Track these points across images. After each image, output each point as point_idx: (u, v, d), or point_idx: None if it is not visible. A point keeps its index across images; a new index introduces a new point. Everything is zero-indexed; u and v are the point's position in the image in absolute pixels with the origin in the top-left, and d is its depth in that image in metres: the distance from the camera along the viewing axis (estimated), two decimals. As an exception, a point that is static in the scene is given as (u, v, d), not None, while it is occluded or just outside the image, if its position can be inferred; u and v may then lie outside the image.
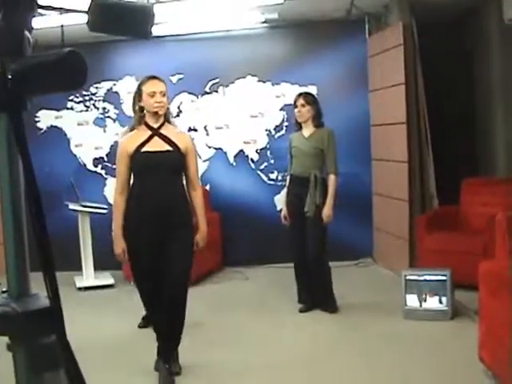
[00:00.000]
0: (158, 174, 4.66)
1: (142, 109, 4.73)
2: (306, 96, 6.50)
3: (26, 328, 1.32)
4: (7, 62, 1.25)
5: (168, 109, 4.85)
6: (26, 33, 1.31)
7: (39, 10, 1.35)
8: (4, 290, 1.40)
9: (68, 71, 1.21)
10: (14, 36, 1.28)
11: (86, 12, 1.36)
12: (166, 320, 4.79)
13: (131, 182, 4.78)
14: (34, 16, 1.34)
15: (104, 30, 1.39)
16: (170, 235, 4.67)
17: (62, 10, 1.42)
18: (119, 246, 4.73)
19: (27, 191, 1.29)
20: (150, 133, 4.70)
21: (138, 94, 4.74)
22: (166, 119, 4.80)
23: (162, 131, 4.73)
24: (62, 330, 1.32)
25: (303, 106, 6.42)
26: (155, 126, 4.72)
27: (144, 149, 4.66)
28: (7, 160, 1.35)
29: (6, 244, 1.36)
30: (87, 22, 1.37)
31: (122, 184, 4.74)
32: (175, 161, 4.72)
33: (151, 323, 5.09)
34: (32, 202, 1.27)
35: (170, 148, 4.69)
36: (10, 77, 1.24)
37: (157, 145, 4.68)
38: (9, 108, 1.26)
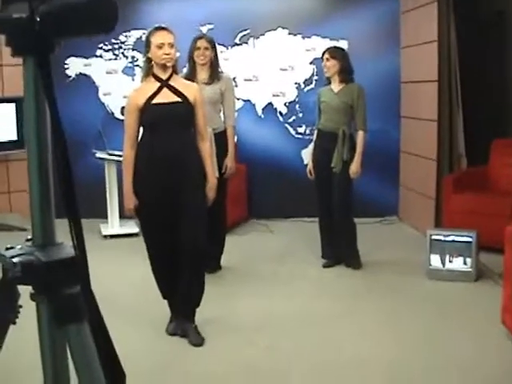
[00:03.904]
0: (169, 126, 4.61)
1: (149, 60, 4.63)
2: (332, 50, 6.42)
3: (49, 278, 1.30)
4: (36, 4, 1.21)
5: (176, 60, 4.74)
6: (56, -27, 1.26)
7: None
8: (28, 238, 1.38)
9: (99, 15, 1.17)
10: (43, -24, 1.23)
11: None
12: (184, 280, 4.75)
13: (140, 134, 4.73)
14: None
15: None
16: (182, 188, 4.63)
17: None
18: (131, 201, 4.68)
19: (53, 137, 1.26)
20: (158, 84, 4.62)
21: (146, 45, 4.64)
22: (174, 70, 4.71)
23: (171, 82, 4.65)
24: (86, 281, 1.30)
25: (328, 60, 6.35)
26: (164, 77, 4.63)
27: (154, 101, 4.59)
28: (34, 104, 1.32)
29: (31, 192, 1.34)
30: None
31: (132, 138, 4.66)
32: (185, 112, 4.66)
33: (160, 287, 4.95)
34: (58, 148, 1.24)
35: (179, 99, 4.63)
36: (38, 19, 1.20)
37: (167, 96, 4.62)
38: (36, 51, 1.22)
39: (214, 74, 6.19)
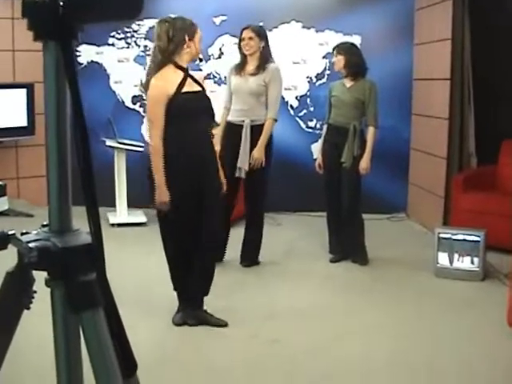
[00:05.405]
0: (198, 114, 4.62)
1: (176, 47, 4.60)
2: (338, 46, 6.46)
3: (65, 264, 1.30)
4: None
5: None
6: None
7: None
8: (44, 223, 1.38)
9: (124, 0, 1.16)
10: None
11: None
12: (196, 267, 4.80)
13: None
14: None
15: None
16: (207, 181, 4.67)
17: None
18: (165, 194, 4.56)
19: (74, 123, 1.25)
20: (182, 73, 4.61)
21: (191, 35, 4.60)
22: None
23: (190, 72, 4.70)
24: (102, 268, 1.29)
25: (335, 56, 6.42)
26: (185, 66, 4.67)
27: (184, 89, 4.57)
28: (55, 90, 1.31)
29: (49, 177, 1.33)
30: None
31: (161, 128, 4.54)
32: (208, 100, 4.71)
33: (173, 278, 4.95)
34: (79, 134, 1.24)
35: (201, 89, 4.68)
36: (61, 3, 1.19)
37: (192, 86, 4.63)
38: (59, 37, 1.21)
39: (261, 64, 6.10)
